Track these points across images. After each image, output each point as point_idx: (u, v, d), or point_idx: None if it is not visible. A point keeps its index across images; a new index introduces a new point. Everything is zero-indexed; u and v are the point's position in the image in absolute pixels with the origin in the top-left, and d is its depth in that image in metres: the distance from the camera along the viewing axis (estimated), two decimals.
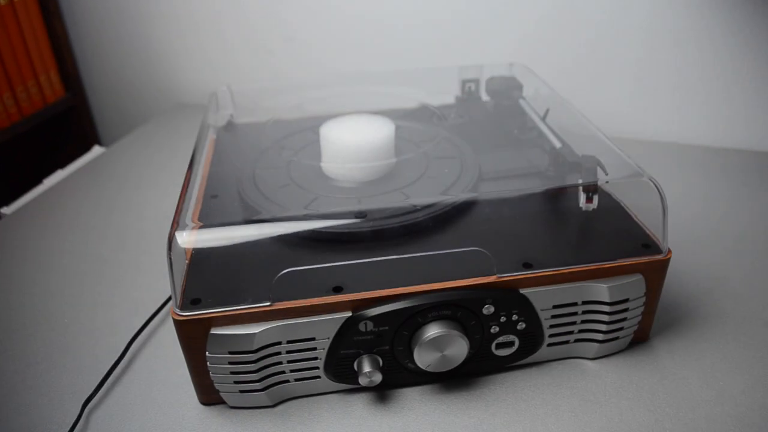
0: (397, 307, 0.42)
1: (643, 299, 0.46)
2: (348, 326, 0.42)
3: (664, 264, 0.46)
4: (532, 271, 0.44)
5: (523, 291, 0.44)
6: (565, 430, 0.43)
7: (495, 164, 0.56)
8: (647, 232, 0.48)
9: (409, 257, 0.45)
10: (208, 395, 0.46)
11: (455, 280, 0.43)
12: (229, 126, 0.68)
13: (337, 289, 0.43)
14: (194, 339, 0.42)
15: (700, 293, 0.56)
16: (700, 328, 0.52)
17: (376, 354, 0.44)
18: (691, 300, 0.55)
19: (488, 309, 0.43)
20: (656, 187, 0.46)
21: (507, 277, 0.44)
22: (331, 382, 0.46)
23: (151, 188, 0.80)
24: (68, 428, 0.45)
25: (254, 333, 0.42)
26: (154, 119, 1.03)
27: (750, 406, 0.44)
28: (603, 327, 0.46)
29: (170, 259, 0.42)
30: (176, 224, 0.44)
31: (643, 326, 0.49)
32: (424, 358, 0.44)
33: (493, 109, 0.70)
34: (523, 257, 0.45)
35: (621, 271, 0.45)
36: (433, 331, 0.43)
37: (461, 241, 0.48)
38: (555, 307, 0.45)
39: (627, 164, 0.49)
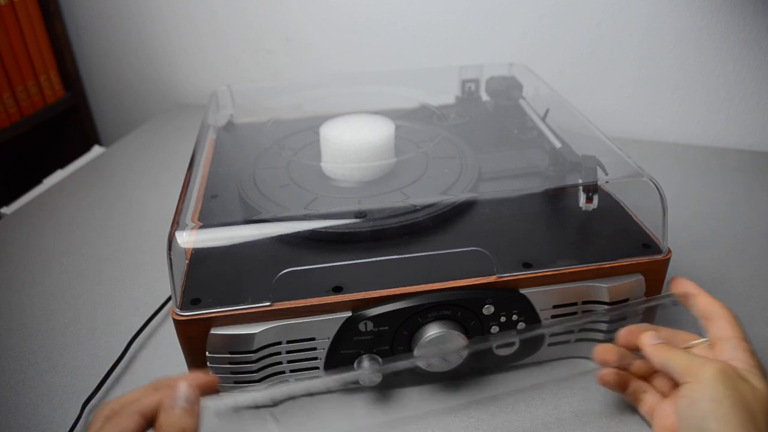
0: (397, 307, 0.42)
1: (643, 299, 0.46)
2: (348, 326, 0.42)
3: (664, 264, 0.46)
4: (532, 271, 0.44)
5: (523, 291, 0.44)
6: (565, 430, 0.43)
7: (495, 164, 0.56)
8: (647, 232, 0.48)
9: (409, 257, 0.45)
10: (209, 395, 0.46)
11: (455, 280, 0.43)
12: (229, 126, 0.68)
13: (337, 289, 0.43)
14: (194, 339, 0.42)
15: None
16: (700, 328, 0.52)
17: (376, 354, 0.44)
18: None
19: (488, 309, 0.43)
20: (656, 187, 0.46)
21: (507, 277, 0.44)
22: None
23: (151, 188, 0.80)
24: (68, 428, 0.45)
25: (254, 333, 0.42)
26: (154, 119, 1.03)
27: None
28: (603, 327, 0.46)
29: (170, 259, 0.42)
30: (176, 224, 0.44)
31: None
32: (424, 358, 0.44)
33: (493, 109, 0.70)
34: (523, 257, 0.45)
35: (621, 271, 0.45)
36: (433, 331, 0.43)
37: (461, 241, 0.48)
38: (555, 307, 0.45)
39: (627, 164, 0.49)
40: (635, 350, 0.41)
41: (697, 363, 0.36)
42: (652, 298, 0.45)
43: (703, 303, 0.41)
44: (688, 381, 0.36)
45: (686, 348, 0.41)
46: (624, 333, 0.42)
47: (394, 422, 0.45)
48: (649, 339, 0.40)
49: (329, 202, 0.52)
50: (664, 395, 0.41)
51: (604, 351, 0.42)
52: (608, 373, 0.42)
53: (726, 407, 0.34)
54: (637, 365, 0.42)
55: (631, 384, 0.43)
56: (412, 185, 0.53)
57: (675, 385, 0.39)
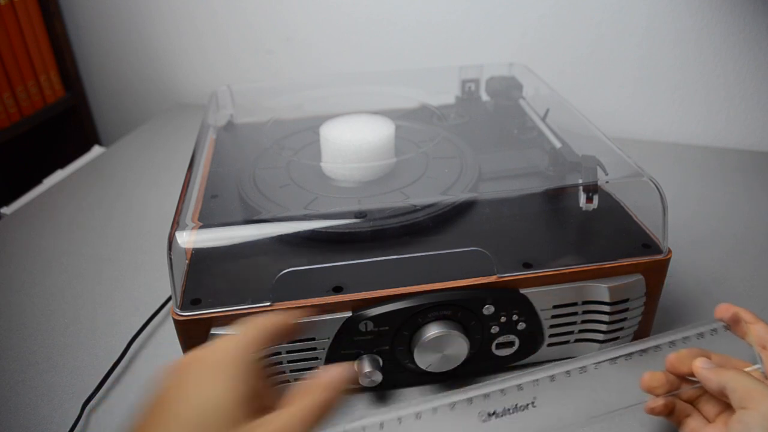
0: (397, 307, 0.42)
1: (643, 299, 0.46)
2: (348, 326, 0.42)
3: (664, 264, 0.46)
4: (532, 271, 0.44)
5: (523, 291, 0.44)
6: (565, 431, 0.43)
7: (495, 164, 0.56)
8: (647, 232, 0.48)
9: (409, 257, 0.45)
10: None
11: (455, 280, 0.43)
12: (229, 126, 0.68)
13: (337, 289, 0.43)
14: (194, 339, 0.42)
15: (700, 293, 0.56)
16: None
17: (376, 354, 0.44)
18: (691, 300, 0.55)
19: (488, 309, 0.43)
20: (656, 187, 0.46)
21: (507, 277, 0.44)
22: None
23: (151, 188, 0.80)
24: (68, 428, 0.45)
25: None
26: (154, 119, 1.03)
27: None
28: (603, 327, 0.46)
29: (170, 259, 0.42)
30: (176, 224, 0.44)
31: (644, 326, 0.49)
32: (424, 358, 0.44)
33: (493, 109, 0.70)
34: (523, 257, 0.45)
35: (621, 271, 0.45)
36: (433, 331, 0.43)
37: (461, 241, 0.48)
38: (555, 307, 0.45)
39: (627, 164, 0.49)
40: (683, 376, 0.40)
41: (760, 390, 0.35)
42: (703, 323, 0.42)
43: (761, 331, 0.40)
44: (746, 407, 0.35)
45: None
46: (673, 359, 0.40)
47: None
48: (703, 363, 0.39)
49: (329, 202, 0.52)
50: (709, 420, 0.40)
51: (652, 379, 0.40)
52: (657, 404, 0.40)
53: None
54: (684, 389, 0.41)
55: (675, 406, 0.41)
56: (412, 185, 0.53)
57: (722, 410, 0.39)
